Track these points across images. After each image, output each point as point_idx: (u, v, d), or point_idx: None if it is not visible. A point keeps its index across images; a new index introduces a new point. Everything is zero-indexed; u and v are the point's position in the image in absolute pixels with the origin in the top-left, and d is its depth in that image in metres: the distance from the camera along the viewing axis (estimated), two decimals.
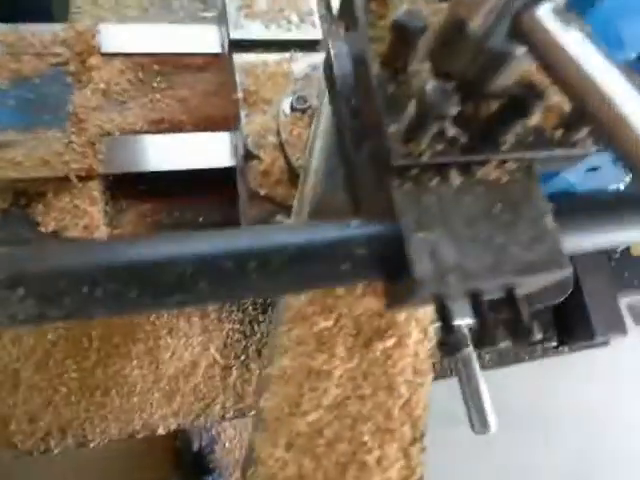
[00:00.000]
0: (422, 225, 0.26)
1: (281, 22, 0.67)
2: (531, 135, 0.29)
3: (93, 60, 0.74)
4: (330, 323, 0.40)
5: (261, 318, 1.03)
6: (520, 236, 0.27)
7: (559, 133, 0.30)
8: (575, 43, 0.22)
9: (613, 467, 2.04)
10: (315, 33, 0.67)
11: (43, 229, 0.67)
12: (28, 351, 0.89)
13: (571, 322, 0.89)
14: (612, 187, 0.44)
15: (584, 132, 0.30)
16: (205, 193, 0.73)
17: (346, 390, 0.40)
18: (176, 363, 0.95)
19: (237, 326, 1.02)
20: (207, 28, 0.80)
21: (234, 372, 0.99)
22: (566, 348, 0.91)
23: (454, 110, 0.23)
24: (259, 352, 1.00)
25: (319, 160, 0.38)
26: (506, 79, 0.27)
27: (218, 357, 0.99)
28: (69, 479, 1.51)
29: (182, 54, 0.76)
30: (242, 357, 1.00)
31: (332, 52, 0.34)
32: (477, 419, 0.52)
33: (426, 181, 0.27)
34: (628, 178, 0.43)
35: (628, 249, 0.89)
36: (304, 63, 0.66)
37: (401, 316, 0.42)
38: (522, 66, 0.26)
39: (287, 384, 0.40)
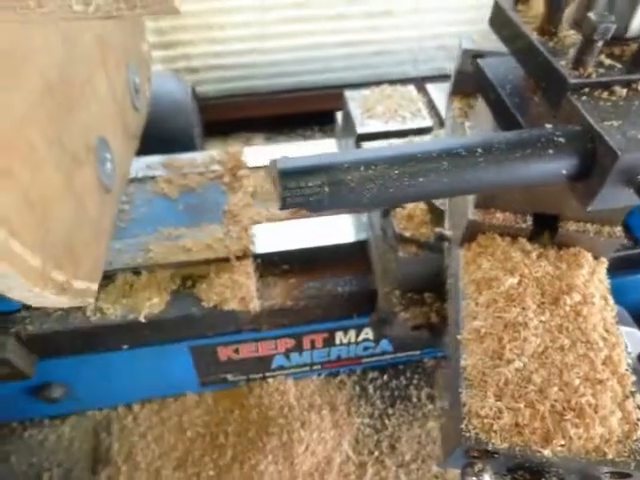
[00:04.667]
0: (606, 118, 0.32)
1: (397, 119, 0.82)
2: None
3: (242, 172, 0.91)
4: (515, 280, 0.43)
5: (390, 411, 0.99)
6: None
7: None
8: None
9: None
10: (426, 122, 0.81)
11: (206, 304, 0.76)
12: (169, 449, 0.91)
13: None
14: None
15: None
16: (340, 265, 0.82)
17: (545, 340, 0.41)
18: (310, 458, 0.92)
19: (367, 420, 0.99)
20: (328, 142, 0.98)
21: (369, 469, 0.93)
22: None
23: (611, 30, 0.32)
24: (392, 447, 0.94)
25: None
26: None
27: (351, 453, 0.94)
28: None
29: None
30: (376, 453, 0.95)
31: (481, 65, 0.46)
32: None
33: (597, 95, 0.34)
34: None
35: None
36: None
37: (579, 279, 0.44)
38: None
39: (484, 341, 0.42)
